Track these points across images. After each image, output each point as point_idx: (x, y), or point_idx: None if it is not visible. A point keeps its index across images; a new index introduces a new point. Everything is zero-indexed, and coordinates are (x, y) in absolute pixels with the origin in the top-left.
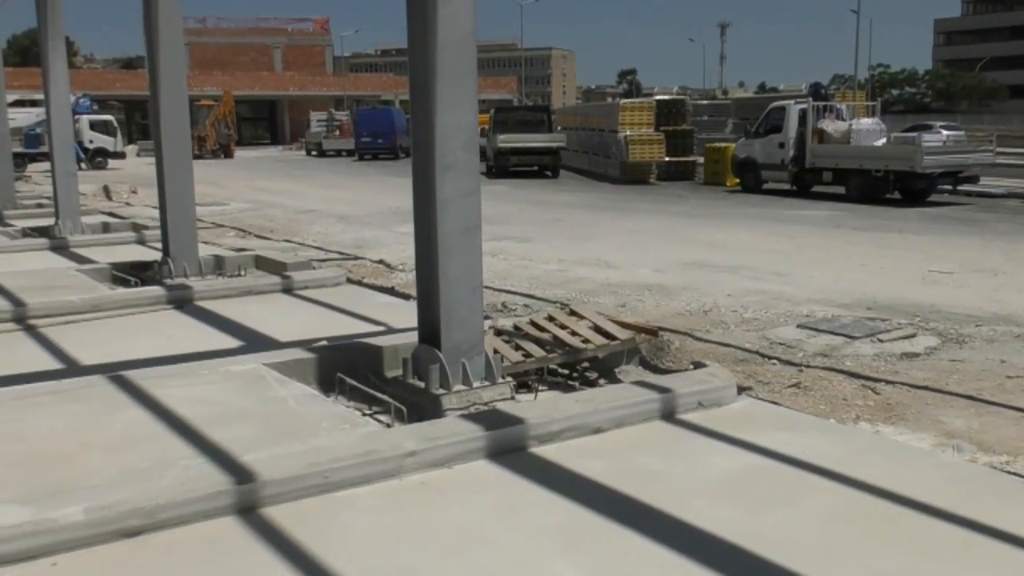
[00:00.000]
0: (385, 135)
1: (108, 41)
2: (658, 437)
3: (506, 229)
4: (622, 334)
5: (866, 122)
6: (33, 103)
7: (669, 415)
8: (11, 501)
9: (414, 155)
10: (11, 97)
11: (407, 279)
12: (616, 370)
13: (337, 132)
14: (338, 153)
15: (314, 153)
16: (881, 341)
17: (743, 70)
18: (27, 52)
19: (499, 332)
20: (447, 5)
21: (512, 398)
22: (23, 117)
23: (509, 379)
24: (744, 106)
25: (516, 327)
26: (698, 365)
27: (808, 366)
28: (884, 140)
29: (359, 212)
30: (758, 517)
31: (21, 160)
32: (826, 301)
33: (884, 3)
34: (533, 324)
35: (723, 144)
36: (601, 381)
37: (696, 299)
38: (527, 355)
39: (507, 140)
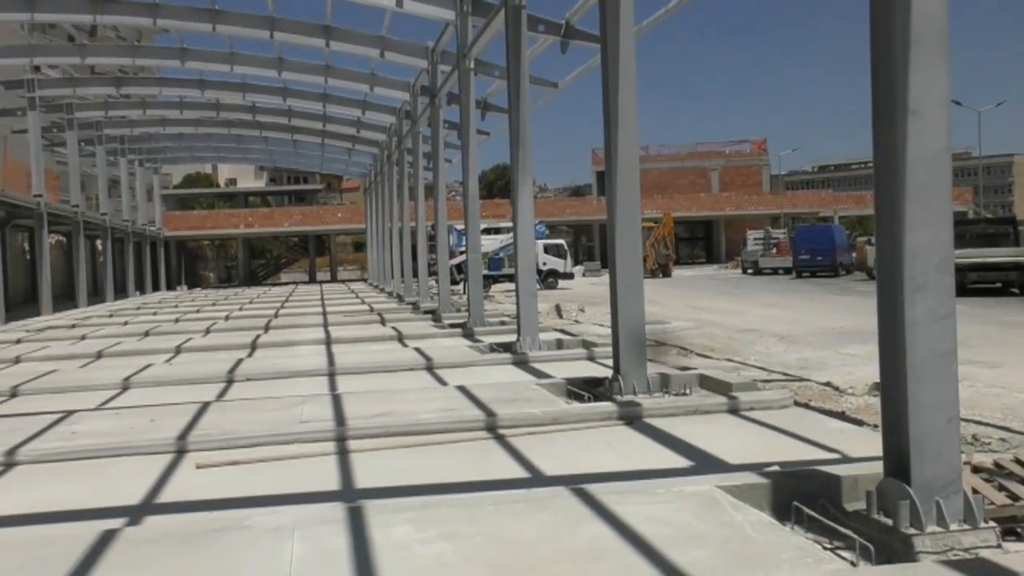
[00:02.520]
0: (825, 252)
1: (558, 172)
2: None
3: (970, 352)
4: None
5: None
6: (497, 231)
7: None
8: None
9: (880, 274)
10: (481, 226)
11: (858, 404)
12: None
13: (774, 250)
14: (775, 271)
15: (750, 271)
16: None
17: None
18: (492, 186)
19: (976, 469)
20: (919, 117)
21: (998, 546)
22: (488, 243)
23: (993, 524)
24: None
25: (997, 464)
26: None
27: None
28: None
29: (801, 332)
30: None
31: (486, 281)
32: None
33: None
34: (1018, 462)
35: None
36: None
37: None
38: (1014, 498)
39: (965, 255)
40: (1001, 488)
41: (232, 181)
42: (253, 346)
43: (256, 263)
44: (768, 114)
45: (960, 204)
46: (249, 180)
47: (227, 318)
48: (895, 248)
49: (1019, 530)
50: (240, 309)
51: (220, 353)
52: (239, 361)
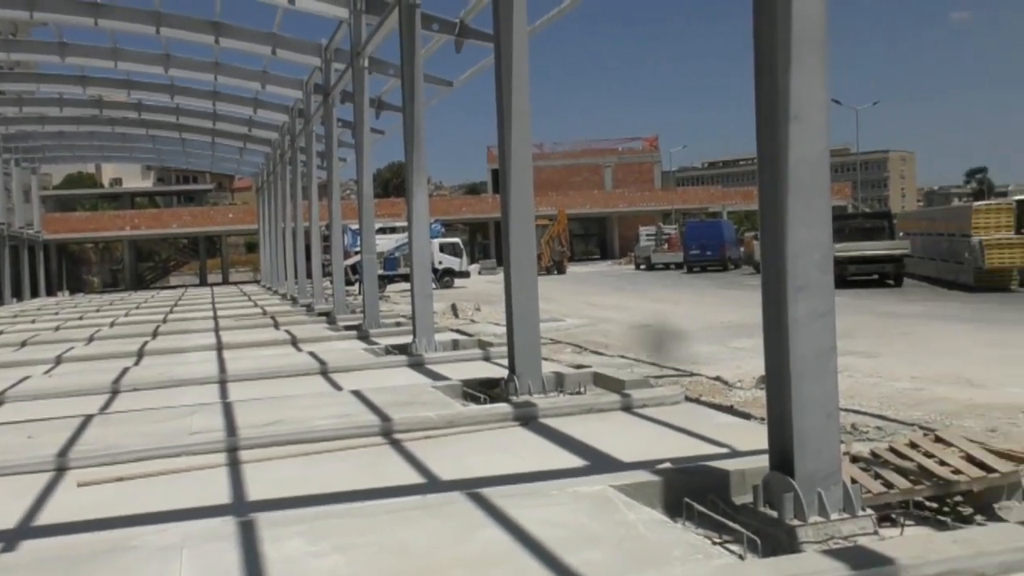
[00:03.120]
0: (714, 247)
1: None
2: None
3: (849, 343)
4: (1001, 465)
5: None
6: (392, 230)
7: None
8: None
9: (764, 274)
10: (376, 226)
11: (746, 397)
12: (995, 507)
13: (665, 246)
14: (667, 266)
15: (643, 267)
16: None
17: None
18: (388, 184)
19: (855, 459)
20: (800, 122)
21: (875, 533)
22: (383, 243)
23: (870, 512)
24: None
25: (874, 454)
26: None
27: None
28: None
29: (692, 327)
30: None
31: (382, 282)
32: None
33: None
34: (893, 451)
35: None
36: (978, 518)
37: None
38: (888, 485)
39: (845, 248)
40: (877, 476)
41: (117, 181)
42: (140, 354)
43: (144, 266)
44: (660, 112)
45: (839, 199)
46: (135, 180)
47: (112, 324)
48: (778, 248)
49: (893, 516)
50: (126, 315)
51: (104, 362)
52: (125, 370)
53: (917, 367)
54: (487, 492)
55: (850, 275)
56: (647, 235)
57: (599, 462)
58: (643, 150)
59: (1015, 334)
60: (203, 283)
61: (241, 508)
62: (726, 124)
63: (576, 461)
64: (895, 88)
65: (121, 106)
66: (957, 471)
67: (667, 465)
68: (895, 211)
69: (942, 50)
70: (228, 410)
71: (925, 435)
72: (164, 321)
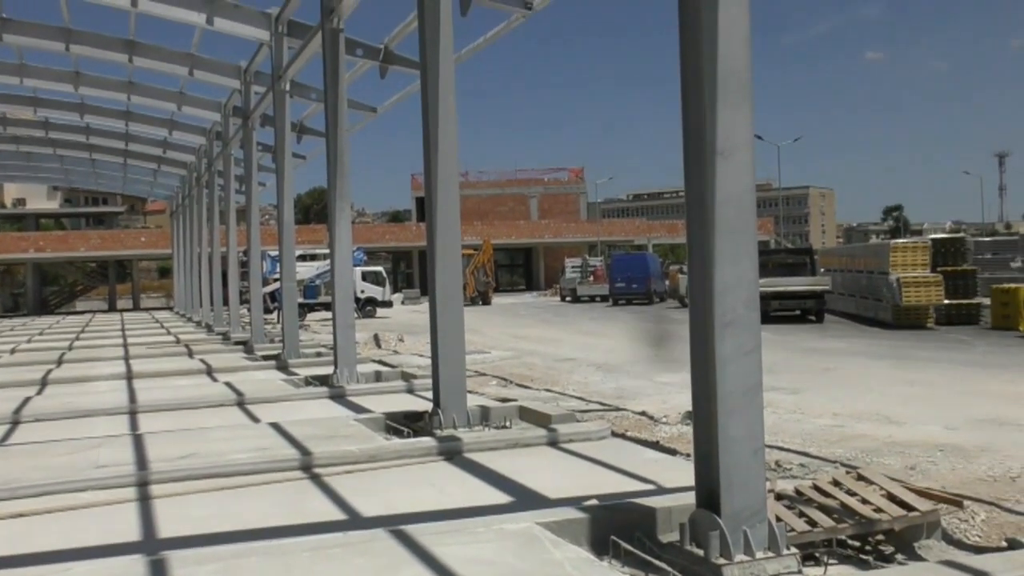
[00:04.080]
0: (640, 280)
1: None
2: None
3: (772, 379)
4: (921, 504)
5: None
6: (313, 257)
7: None
8: None
9: (692, 310)
10: (297, 252)
11: (671, 432)
12: (915, 545)
13: (591, 278)
14: (592, 299)
15: (568, 299)
16: None
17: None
18: (308, 210)
19: (779, 496)
20: (726, 158)
21: (799, 572)
22: (304, 270)
23: (794, 550)
24: None
25: (798, 491)
26: (1014, 544)
27: None
28: None
29: (618, 360)
30: None
31: (302, 310)
32: None
33: None
34: (817, 489)
35: (1014, 285)
36: (899, 557)
37: (999, 462)
38: (812, 523)
39: (768, 284)
40: (801, 514)
41: (21, 201)
42: (43, 382)
43: (48, 290)
44: (585, 142)
45: (762, 234)
46: (41, 201)
47: (13, 351)
48: (706, 285)
49: (817, 555)
50: (29, 341)
51: (4, 391)
52: (27, 400)
53: (839, 403)
54: (411, 529)
55: (773, 310)
56: (573, 267)
57: (525, 498)
58: (569, 181)
59: (932, 372)
60: (112, 309)
61: (152, 546)
62: (651, 156)
63: (502, 497)
64: (814, 125)
65: (26, 123)
66: (879, 510)
67: (594, 502)
68: (815, 247)
69: (858, 88)
70: (138, 442)
71: (847, 473)
72: (70, 348)
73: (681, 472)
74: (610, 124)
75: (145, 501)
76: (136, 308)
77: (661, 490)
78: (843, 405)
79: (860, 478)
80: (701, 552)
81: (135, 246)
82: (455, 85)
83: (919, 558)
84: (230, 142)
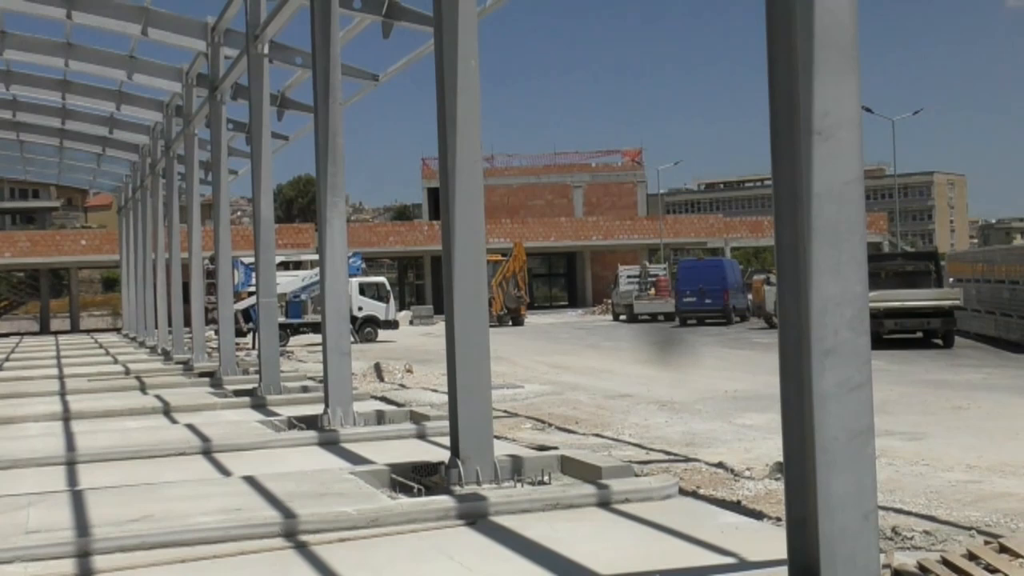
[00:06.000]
0: (715, 294)
1: (379, 188)
2: None
3: (887, 421)
4: None
5: None
6: (298, 265)
7: None
8: None
9: (782, 334)
10: (278, 259)
11: (757, 490)
12: None
13: (652, 291)
14: (653, 317)
15: (623, 317)
16: None
17: None
18: (291, 205)
19: (898, 573)
20: (826, 140)
21: None
22: (286, 282)
23: None
24: None
25: (921, 567)
26: None
27: None
28: None
29: (687, 397)
30: None
31: (283, 332)
32: None
33: None
34: (947, 564)
35: None
36: None
37: None
38: None
39: (881, 299)
40: None
41: None
42: None
43: None
44: (645, 118)
45: (873, 233)
46: None
47: None
48: (800, 301)
49: None
50: None
51: None
52: None
53: (974, 453)
54: None
55: (887, 332)
56: (629, 277)
57: None
58: (623, 166)
59: None
60: (45, 331)
61: None
62: (730, 135)
63: (539, 574)
64: (941, 94)
65: None
66: None
67: None
68: (943, 250)
69: (999, 46)
70: (79, 501)
71: (987, 543)
72: None
73: (770, 541)
74: (676, 93)
75: None
76: (75, 329)
77: (744, 564)
78: (980, 455)
79: (1003, 550)
80: None
81: (73, 251)
82: (478, 45)
83: None
84: (193, 119)
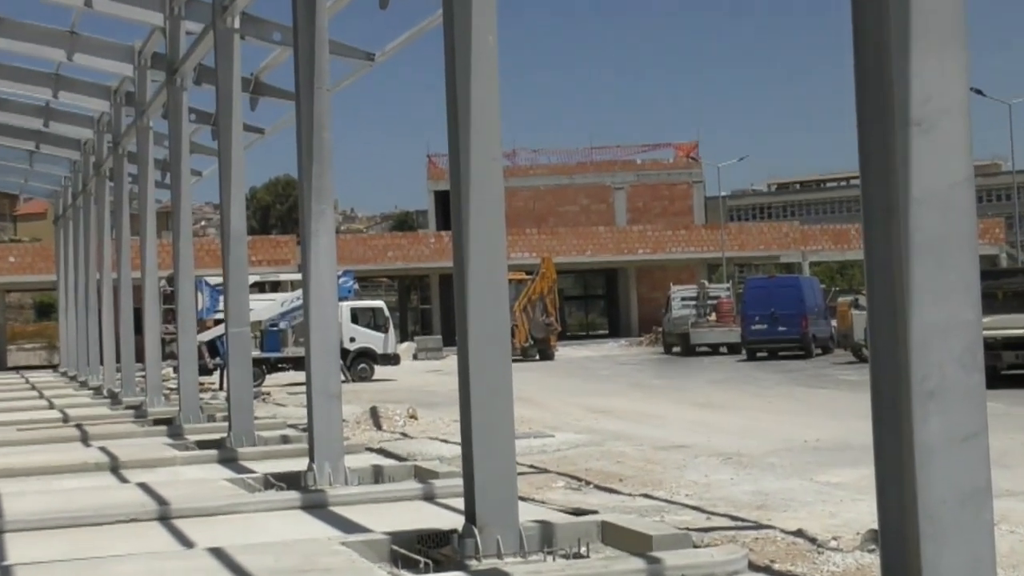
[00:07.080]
0: (790, 320)
1: (374, 192)
2: None
3: (1007, 477)
4: None
5: None
6: (276, 286)
7: None
8: None
9: (874, 370)
10: (252, 278)
11: (846, 565)
12: None
13: (713, 316)
14: (714, 349)
15: (676, 349)
16: None
17: None
18: (268, 212)
19: None
20: (927, 131)
21: None
22: (262, 307)
23: None
24: None
25: None
26: None
27: None
28: None
29: (756, 448)
30: None
31: (258, 369)
32: None
33: None
34: None
35: None
36: None
37: None
38: None
39: (997, 326)
40: None
41: None
42: None
43: None
44: (702, 107)
45: (987, 244)
46: None
47: None
48: (896, 330)
49: None
50: None
51: None
52: None
53: None
54: None
55: (1006, 367)
56: (683, 299)
57: None
58: (676, 163)
59: None
60: None
61: None
62: (807, 125)
63: None
64: None
65: None
66: None
67: None
68: None
69: None
70: None
71: None
72: None
73: None
74: (740, 74)
75: None
76: (1, 367)
77: None
78: None
79: None
80: None
81: (0, 269)
82: (496, 18)
83: None
84: (148, 108)
